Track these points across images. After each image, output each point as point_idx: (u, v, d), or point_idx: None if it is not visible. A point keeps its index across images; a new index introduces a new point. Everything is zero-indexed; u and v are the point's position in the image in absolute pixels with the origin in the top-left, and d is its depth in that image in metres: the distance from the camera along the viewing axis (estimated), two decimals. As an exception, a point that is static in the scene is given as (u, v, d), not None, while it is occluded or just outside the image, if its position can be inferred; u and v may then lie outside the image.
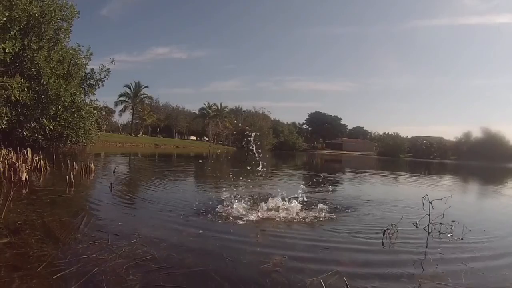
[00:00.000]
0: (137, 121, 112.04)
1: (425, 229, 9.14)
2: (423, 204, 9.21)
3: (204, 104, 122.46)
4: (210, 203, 11.73)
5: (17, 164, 13.62)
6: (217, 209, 10.29)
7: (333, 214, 10.49)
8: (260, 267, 6.00)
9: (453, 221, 9.63)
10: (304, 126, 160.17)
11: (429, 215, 8.98)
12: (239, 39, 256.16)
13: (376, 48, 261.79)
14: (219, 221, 9.05)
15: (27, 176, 12.69)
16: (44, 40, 26.44)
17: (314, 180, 20.62)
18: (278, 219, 9.50)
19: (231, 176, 13.00)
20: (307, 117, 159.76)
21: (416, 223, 9.84)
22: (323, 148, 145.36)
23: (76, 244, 6.79)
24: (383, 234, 8.58)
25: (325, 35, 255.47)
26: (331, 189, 15.92)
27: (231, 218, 9.42)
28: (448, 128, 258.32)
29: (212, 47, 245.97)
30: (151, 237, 7.46)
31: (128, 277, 5.33)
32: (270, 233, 8.37)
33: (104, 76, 33.02)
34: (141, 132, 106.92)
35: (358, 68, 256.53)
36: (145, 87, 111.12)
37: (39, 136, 26.00)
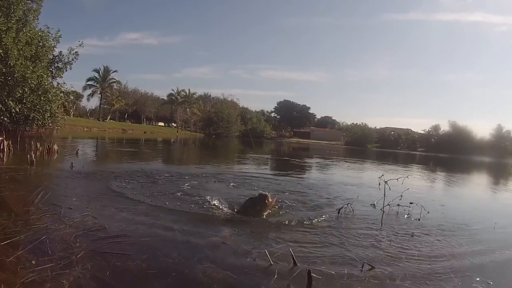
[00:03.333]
0: (105, 106, 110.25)
1: (381, 210, 9.32)
2: (379, 184, 9.33)
3: (173, 90, 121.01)
4: (167, 180, 11.89)
5: (-21, 144, 13.49)
6: (174, 185, 10.40)
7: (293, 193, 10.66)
8: (209, 239, 6.18)
9: (411, 203, 9.92)
10: (273, 114, 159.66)
11: (384, 195, 9.10)
12: (211, 26, 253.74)
13: (350, 39, 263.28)
14: (176, 197, 9.15)
15: (-12, 155, 12.61)
16: (12, 21, 25.98)
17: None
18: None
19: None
20: (276, 105, 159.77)
21: (374, 204, 10.07)
22: (290, 136, 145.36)
23: (29, 216, 6.92)
24: (338, 212, 8.83)
25: (300, 25, 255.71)
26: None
27: (188, 195, 9.55)
28: (416, 121, 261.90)
29: (184, 34, 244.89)
30: (104, 211, 7.61)
31: (75, 244, 5.48)
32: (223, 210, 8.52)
33: (72, 59, 32.52)
34: (109, 117, 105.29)
35: (330, 58, 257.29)
36: (114, 71, 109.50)
37: (5, 119, 25.56)
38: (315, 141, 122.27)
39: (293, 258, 5.29)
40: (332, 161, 32.03)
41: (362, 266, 5.34)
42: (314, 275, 4.76)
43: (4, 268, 4.43)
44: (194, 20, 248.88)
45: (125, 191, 9.94)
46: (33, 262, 4.69)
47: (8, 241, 5.32)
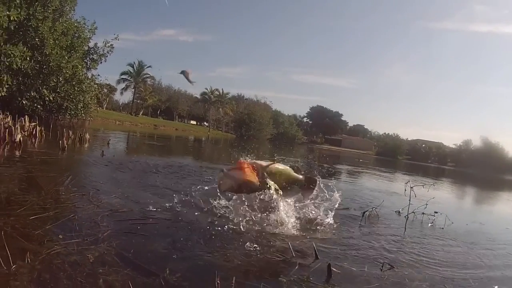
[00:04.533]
0: (138, 101, 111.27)
1: (405, 217, 9.32)
2: (405, 190, 9.34)
3: (206, 89, 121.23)
4: (195, 171, 12.05)
5: (13, 128, 13.85)
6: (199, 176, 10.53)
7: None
8: (232, 227, 6.28)
9: (435, 212, 9.89)
10: (305, 119, 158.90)
11: (409, 202, 9.11)
12: (247, 26, 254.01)
13: (384, 47, 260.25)
14: (199, 186, 9.25)
15: (21, 138, 13.05)
16: (49, 11, 26.45)
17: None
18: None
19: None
20: (308, 110, 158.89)
21: (399, 211, 10.06)
22: (322, 142, 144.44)
23: (58, 195, 7.17)
24: (363, 215, 8.86)
25: (336, 29, 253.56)
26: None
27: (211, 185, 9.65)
28: (448, 134, 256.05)
29: (219, 33, 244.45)
30: (131, 196, 7.79)
31: (102, 223, 5.67)
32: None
33: (107, 52, 32.95)
34: (141, 113, 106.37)
35: (365, 66, 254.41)
36: (148, 66, 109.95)
37: (38, 106, 26.10)
38: (346, 149, 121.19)
39: (315, 252, 5.37)
40: (361, 169, 31.83)
41: (382, 265, 5.39)
42: (334, 269, 4.83)
43: (31, 240, 4.62)
44: (229, 19, 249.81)
45: (152, 180, 10.11)
46: (60, 236, 4.89)
47: (37, 216, 5.52)
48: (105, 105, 71.65)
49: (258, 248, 5.42)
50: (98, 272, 4.01)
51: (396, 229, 8.20)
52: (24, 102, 24.86)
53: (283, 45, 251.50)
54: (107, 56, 33.13)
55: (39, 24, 25.35)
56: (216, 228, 6.11)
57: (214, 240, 5.56)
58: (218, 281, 4.08)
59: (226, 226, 6.19)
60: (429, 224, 9.13)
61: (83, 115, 31.24)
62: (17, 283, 3.51)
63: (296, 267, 4.87)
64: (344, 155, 69.16)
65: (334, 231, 7.13)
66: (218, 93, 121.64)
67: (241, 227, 6.26)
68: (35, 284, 3.56)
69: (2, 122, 14.03)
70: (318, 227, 7.26)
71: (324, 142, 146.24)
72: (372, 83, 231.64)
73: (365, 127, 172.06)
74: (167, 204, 7.37)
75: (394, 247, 6.58)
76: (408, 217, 9.12)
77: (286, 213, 7.22)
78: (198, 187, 9.04)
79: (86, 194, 7.33)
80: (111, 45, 32.74)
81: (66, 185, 7.99)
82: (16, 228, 4.87)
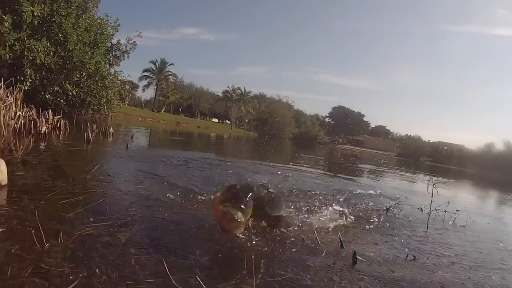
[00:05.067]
0: (160, 98, 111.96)
1: (428, 214, 9.30)
2: (427, 186, 9.31)
3: (228, 87, 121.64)
4: (218, 165, 12.16)
5: (38, 120, 14.06)
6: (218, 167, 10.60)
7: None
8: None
9: (457, 210, 9.87)
10: (327, 120, 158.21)
11: (432, 200, 9.07)
12: (269, 25, 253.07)
13: (406, 48, 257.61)
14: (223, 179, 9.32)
15: (46, 130, 13.27)
16: (72, 7, 26.63)
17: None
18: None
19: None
20: (330, 110, 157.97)
21: (421, 208, 10.04)
22: (343, 143, 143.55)
23: (86, 182, 7.32)
24: (387, 210, 8.88)
25: (357, 30, 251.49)
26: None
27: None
28: (470, 137, 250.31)
29: (241, 32, 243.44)
30: (157, 186, 7.90)
31: (130, 208, 5.78)
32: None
33: (130, 49, 33.11)
34: (163, 109, 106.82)
35: (387, 67, 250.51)
36: (170, 64, 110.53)
37: (62, 101, 26.32)
38: (367, 150, 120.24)
39: (340, 241, 5.45)
40: (384, 169, 31.69)
41: (406, 256, 5.41)
42: (359, 257, 4.86)
43: (63, 222, 4.73)
44: (252, 18, 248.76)
45: (177, 172, 10.23)
46: (91, 219, 4.99)
47: (67, 200, 5.63)
48: (127, 102, 72.13)
49: (286, 236, 5.49)
50: (130, 252, 4.08)
51: (419, 224, 8.20)
52: (47, 97, 25.08)
53: (307, 45, 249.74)
54: (129, 53, 33.34)
55: (63, 20, 25.58)
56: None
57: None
58: (248, 264, 4.11)
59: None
60: (451, 222, 9.09)
61: (105, 110, 31.45)
62: (50, 260, 3.59)
63: (323, 254, 4.90)
64: (366, 156, 68.75)
65: (358, 224, 7.14)
66: (240, 92, 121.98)
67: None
68: (68, 261, 3.63)
69: (27, 115, 14.24)
70: (343, 220, 7.28)
71: (346, 142, 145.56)
72: (394, 85, 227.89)
73: (387, 128, 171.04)
74: (192, 194, 7.45)
75: (416, 240, 6.61)
76: (430, 213, 9.08)
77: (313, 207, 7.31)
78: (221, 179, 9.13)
79: (113, 183, 7.51)
80: (134, 42, 32.93)
81: (93, 174, 8.17)
82: (48, 211, 4.98)
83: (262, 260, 4.41)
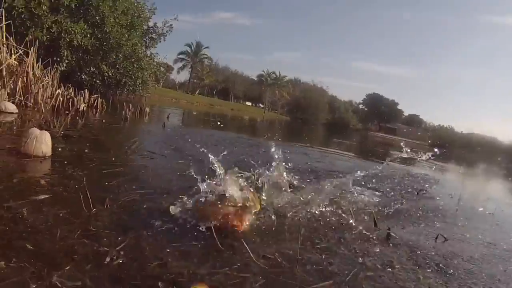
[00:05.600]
0: (195, 80, 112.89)
1: (458, 200, 9.25)
2: (458, 175, 9.25)
3: (263, 71, 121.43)
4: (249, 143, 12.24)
5: (75, 99, 14.32)
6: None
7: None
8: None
9: (487, 198, 9.83)
10: (361, 106, 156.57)
11: (462, 188, 9.00)
12: (305, 11, 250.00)
13: (445, 38, 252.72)
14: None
15: (84, 108, 13.49)
16: (110, -10, 26.92)
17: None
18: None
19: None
20: (364, 97, 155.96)
21: (451, 194, 9.98)
22: (377, 130, 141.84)
23: (126, 156, 7.47)
24: (417, 193, 8.85)
25: (397, 19, 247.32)
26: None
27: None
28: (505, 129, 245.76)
29: (278, 17, 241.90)
30: (196, 162, 7.95)
31: (172, 181, 5.87)
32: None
33: (167, 32, 33.30)
34: (197, 92, 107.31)
35: (424, 56, 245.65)
36: (205, 47, 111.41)
37: (97, 81, 26.63)
38: (400, 138, 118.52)
39: (374, 220, 5.47)
40: (416, 157, 31.38)
41: (437, 236, 5.38)
42: (393, 234, 4.88)
43: (107, 189, 4.85)
44: (288, 3, 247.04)
45: (214, 150, 10.29)
46: (133, 187, 5.07)
47: (110, 170, 5.75)
48: (161, 83, 72.66)
49: (322, 212, 5.53)
50: (175, 217, 4.16)
51: (448, 209, 8.14)
52: (83, 77, 25.41)
53: (343, 31, 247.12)
54: (166, 36, 33.50)
55: (100, 3, 25.78)
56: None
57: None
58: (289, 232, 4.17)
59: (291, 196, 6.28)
60: (480, 209, 9.02)
61: (140, 91, 31.71)
62: (98, 223, 3.69)
63: (357, 230, 4.92)
64: (398, 144, 68.16)
65: (390, 206, 7.15)
66: (275, 76, 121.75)
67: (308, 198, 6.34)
68: (115, 224, 3.73)
69: (65, 94, 14.51)
70: (376, 200, 7.31)
71: (379, 129, 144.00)
72: (431, 74, 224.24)
73: (420, 117, 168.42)
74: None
75: (446, 223, 6.56)
76: (459, 200, 9.02)
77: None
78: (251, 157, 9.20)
79: (153, 158, 7.65)
80: (171, 25, 33.05)
81: (132, 149, 8.33)
82: (92, 179, 5.09)
83: (302, 228, 4.45)
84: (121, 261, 3.03)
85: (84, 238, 3.34)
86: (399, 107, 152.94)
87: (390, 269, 3.84)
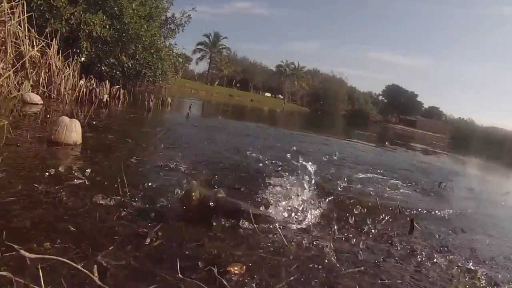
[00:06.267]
0: (214, 71, 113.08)
1: (479, 194, 9.28)
2: (478, 170, 9.28)
3: (282, 62, 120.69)
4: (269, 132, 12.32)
5: (97, 90, 14.52)
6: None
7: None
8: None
9: (507, 192, 9.83)
10: (380, 98, 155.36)
11: (482, 183, 9.03)
12: (324, 1, 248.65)
13: (464, 30, 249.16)
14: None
15: (108, 98, 13.66)
16: (127, -18, 27.04)
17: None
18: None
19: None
20: (384, 88, 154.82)
21: (472, 188, 10.00)
22: (396, 122, 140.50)
23: (153, 145, 7.73)
24: (439, 186, 8.88)
25: (418, 11, 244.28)
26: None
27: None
28: None
29: (296, 7, 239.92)
30: (218, 151, 8.11)
31: (200, 167, 6.01)
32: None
33: (185, 22, 33.41)
34: (216, 82, 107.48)
35: (444, 47, 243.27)
36: (223, 38, 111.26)
37: (117, 72, 26.82)
38: (419, 131, 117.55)
39: (399, 208, 5.68)
40: (436, 150, 31.27)
41: (455, 229, 5.45)
42: (416, 225, 4.96)
43: (138, 176, 5.06)
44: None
45: (233, 138, 10.50)
46: (161, 173, 5.30)
47: (138, 158, 5.95)
48: (180, 74, 72.87)
49: (351, 201, 5.69)
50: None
51: (469, 201, 8.20)
52: (103, 68, 25.60)
53: (362, 22, 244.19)
54: (184, 26, 33.61)
55: (118, -6, 25.95)
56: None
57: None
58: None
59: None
60: (502, 203, 9.03)
61: (160, 82, 31.89)
62: (134, 207, 3.85)
63: (382, 221, 5.00)
64: (418, 136, 67.72)
65: (414, 197, 7.22)
66: (293, 67, 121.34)
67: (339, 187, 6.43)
68: (150, 208, 3.90)
69: (88, 85, 14.70)
70: (401, 191, 7.40)
71: (398, 121, 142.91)
72: (451, 66, 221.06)
73: (440, 109, 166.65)
74: (255, 155, 7.68)
75: (466, 215, 6.62)
76: (481, 193, 9.06)
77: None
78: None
79: (178, 146, 7.93)
80: (189, 15, 33.17)
81: (159, 138, 8.61)
82: (124, 166, 5.20)
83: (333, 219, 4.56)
84: (160, 242, 3.17)
85: (122, 220, 3.50)
86: (418, 99, 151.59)
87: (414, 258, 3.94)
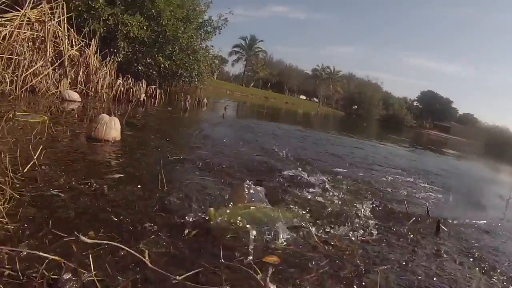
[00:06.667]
0: (249, 73, 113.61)
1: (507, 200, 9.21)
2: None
3: (318, 65, 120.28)
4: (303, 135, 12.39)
5: (134, 88, 14.83)
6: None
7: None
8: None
9: None
10: (415, 103, 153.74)
11: None
12: (361, 6, 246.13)
13: (502, 36, 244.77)
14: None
15: (144, 98, 13.95)
16: (164, -15, 27.41)
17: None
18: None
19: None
20: (419, 94, 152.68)
21: (501, 195, 9.91)
22: (431, 128, 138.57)
23: (190, 144, 8.00)
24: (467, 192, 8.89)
25: (455, 17, 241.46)
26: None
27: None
28: None
29: (333, 11, 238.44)
30: (253, 152, 8.26)
31: (233, 168, 6.13)
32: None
33: (222, 25, 33.71)
34: (252, 84, 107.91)
35: (481, 54, 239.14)
36: (260, 41, 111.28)
37: (154, 72, 27.17)
38: (454, 137, 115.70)
39: (427, 210, 5.66)
40: (470, 156, 30.93)
41: (482, 232, 5.48)
42: (442, 226, 5.04)
43: (175, 172, 5.22)
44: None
45: (269, 139, 10.63)
46: (197, 172, 5.51)
47: (176, 157, 6.11)
48: (216, 75, 73.35)
49: (379, 202, 5.76)
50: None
51: (497, 208, 8.14)
52: (139, 68, 25.97)
53: (399, 27, 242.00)
54: (221, 29, 33.88)
55: (155, -3, 26.32)
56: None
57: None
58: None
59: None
60: None
61: (196, 82, 32.20)
62: (171, 200, 4.01)
63: (410, 221, 5.06)
64: (452, 142, 66.90)
65: (442, 201, 7.23)
66: (329, 71, 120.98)
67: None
68: (186, 202, 4.07)
69: (125, 83, 15.01)
70: (430, 194, 7.47)
71: (433, 127, 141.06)
72: (487, 73, 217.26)
73: (475, 116, 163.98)
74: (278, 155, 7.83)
75: (493, 220, 6.57)
76: (509, 199, 8.98)
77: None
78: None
79: (215, 145, 8.16)
80: (226, 18, 33.43)
81: (196, 137, 9.01)
82: (161, 163, 5.35)
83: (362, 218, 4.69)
84: (197, 233, 3.33)
85: (161, 212, 3.68)
86: (453, 105, 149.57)
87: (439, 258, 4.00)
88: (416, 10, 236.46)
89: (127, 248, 2.49)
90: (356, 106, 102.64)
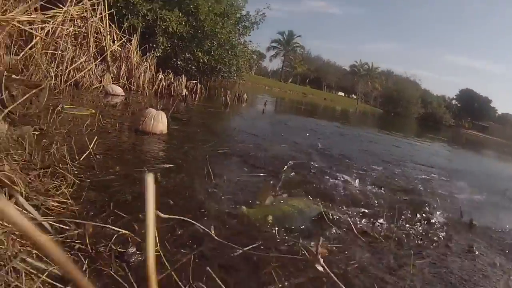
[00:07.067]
0: (287, 68, 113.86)
1: None
2: None
3: (356, 62, 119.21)
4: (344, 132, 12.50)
5: (175, 83, 15.19)
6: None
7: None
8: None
9: None
10: (453, 102, 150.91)
11: None
12: (400, 2, 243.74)
13: None
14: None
15: (186, 93, 14.26)
16: (202, -19, 27.69)
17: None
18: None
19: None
20: (458, 93, 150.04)
21: None
22: (469, 127, 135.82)
23: (234, 138, 8.34)
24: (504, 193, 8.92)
25: (493, 13, 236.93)
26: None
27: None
28: None
29: (371, 7, 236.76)
30: (292, 149, 8.52)
31: (278, 162, 6.44)
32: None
33: (259, 20, 33.82)
34: (290, 80, 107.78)
35: None
36: (298, 36, 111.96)
37: (192, 67, 27.46)
38: (492, 137, 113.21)
39: (460, 211, 5.75)
40: (508, 157, 30.47)
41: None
42: (475, 223, 5.27)
43: (221, 167, 5.53)
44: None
45: (308, 136, 10.83)
46: (245, 168, 5.77)
47: (222, 151, 6.48)
48: (253, 71, 73.57)
49: (409, 199, 5.96)
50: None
51: None
52: (178, 63, 26.29)
53: (439, 24, 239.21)
54: (258, 24, 33.98)
55: (194, -7, 26.60)
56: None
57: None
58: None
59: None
60: None
61: (235, 77, 32.43)
62: (219, 190, 4.31)
63: (443, 219, 5.22)
64: (490, 142, 65.66)
65: (475, 202, 7.30)
66: (367, 67, 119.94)
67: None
68: (231, 193, 4.37)
69: (166, 78, 15.40)
70: (466, 194, 7.61)
71: (471, 127, 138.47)
72: None
73: None
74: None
75: None
76: None
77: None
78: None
79: (258, 142, 8.43)
80: (263, 14, 33.54)
81: (239, 131, 9.41)
82: (207, 157, 5.62)
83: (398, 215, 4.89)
84: (247, 220, 3.65)
85: (210, 201, 3.97)
86: (492, 104, 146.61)
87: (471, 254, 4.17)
88: (455, 7, 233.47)
89: (194, 222, 2.76)
90: (394, 104, 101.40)
